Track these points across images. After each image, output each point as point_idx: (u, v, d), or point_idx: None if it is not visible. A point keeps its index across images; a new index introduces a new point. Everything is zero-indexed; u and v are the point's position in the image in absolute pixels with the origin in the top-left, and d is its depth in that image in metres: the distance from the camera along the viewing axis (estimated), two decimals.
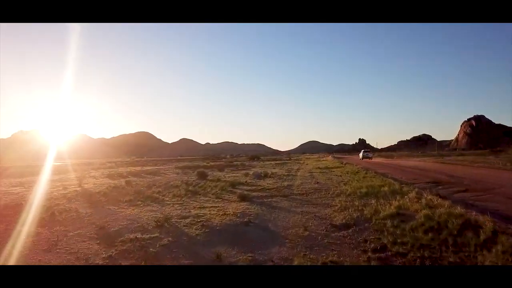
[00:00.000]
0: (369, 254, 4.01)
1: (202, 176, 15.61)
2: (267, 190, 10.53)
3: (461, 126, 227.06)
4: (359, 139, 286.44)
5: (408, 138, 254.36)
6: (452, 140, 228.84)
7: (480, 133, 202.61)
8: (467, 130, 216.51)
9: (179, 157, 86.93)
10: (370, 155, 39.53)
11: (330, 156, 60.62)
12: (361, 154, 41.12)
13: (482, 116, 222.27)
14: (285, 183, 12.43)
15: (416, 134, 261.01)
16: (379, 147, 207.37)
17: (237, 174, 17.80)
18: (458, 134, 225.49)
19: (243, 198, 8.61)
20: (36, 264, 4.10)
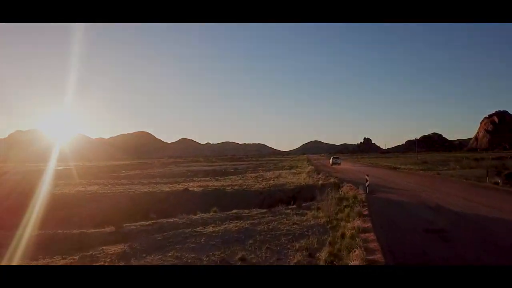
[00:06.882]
0: None
1: None
2: None
3: (481, 123, 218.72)
4: (364, 138, 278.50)
5: (417, 137, 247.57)
6: (470, 138, 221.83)
7: (504, 131, 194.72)
8: (488, 128, 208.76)
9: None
10: (338, 161, 42.35)
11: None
12: (330, 160, 43.76)
13: (506, 112, 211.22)
14: None
15: (426, 133, 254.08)
16: (386, 147, 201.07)
17: None
18: (477, 133, 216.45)
19: None
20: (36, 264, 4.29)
